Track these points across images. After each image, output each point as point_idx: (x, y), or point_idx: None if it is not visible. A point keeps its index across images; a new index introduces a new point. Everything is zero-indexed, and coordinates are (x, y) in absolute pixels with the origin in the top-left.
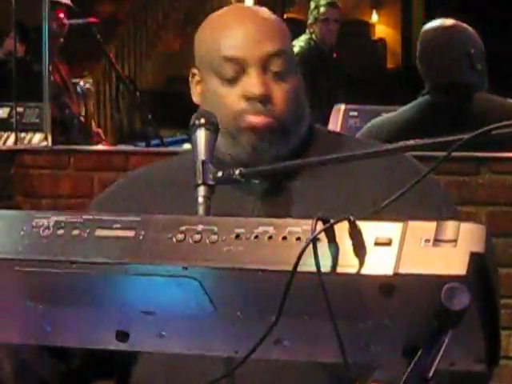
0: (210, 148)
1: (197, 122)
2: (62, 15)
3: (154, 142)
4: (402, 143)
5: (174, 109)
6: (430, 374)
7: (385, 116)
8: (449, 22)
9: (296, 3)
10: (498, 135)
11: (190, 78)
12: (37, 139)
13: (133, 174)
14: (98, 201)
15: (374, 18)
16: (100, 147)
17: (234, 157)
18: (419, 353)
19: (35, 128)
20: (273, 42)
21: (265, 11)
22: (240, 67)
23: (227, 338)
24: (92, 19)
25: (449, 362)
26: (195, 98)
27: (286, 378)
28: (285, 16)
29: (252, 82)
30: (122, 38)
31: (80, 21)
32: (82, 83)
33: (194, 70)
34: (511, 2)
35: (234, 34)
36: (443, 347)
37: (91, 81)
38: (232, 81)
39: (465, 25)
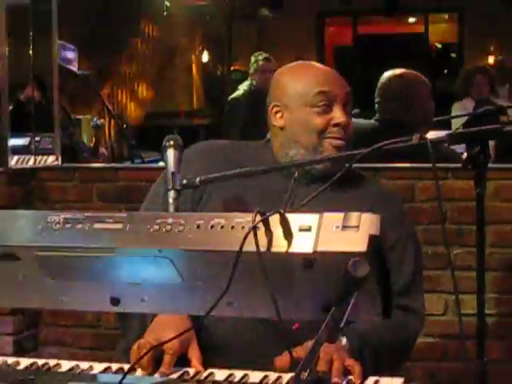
0: (177, 162)
1: (167, 144)
2: (72, 67)
3: (137, 160)
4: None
5: (150, 136)
6: (342, 324)
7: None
8: (397, 71)
9: (240, 58)
10: (388, 150)
11: (269, 109)
12: (50, 160)
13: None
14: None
15: None
16: (96, 164)
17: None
18: (333, 309)
19: (49, 152)
20: (348, 86)
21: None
22: (330, 100)
23: (192, 302)
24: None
25: (355, 316)
26: (276, 123)
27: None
28: (231, 68)
29: (340, 114)
30: (112, 85)
31: (81, 72)
32: (95, 119)
33: (275, 103)
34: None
35: (325, 75)
36: (351, 305)
37: (102, 120)
38: (321, 112)
39: (410, 73)
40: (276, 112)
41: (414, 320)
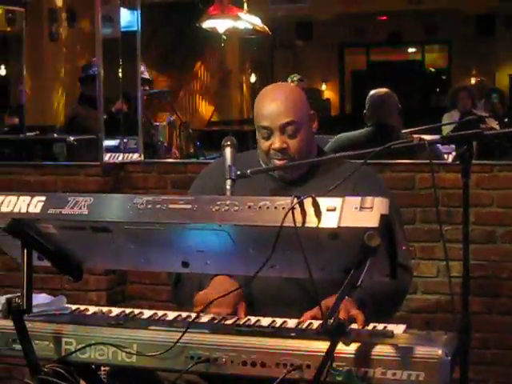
0: (233, 158)
1: (225, 143)
2: (147, 87)
3: (201, 157)
4: (344, 154)
5: (211, 139)
6: (359, 283)
7: (342, 134)
8: (383, 90)
9: (279, 78)
10: (395, 149)
11: None
12: (135, 156)
13: (213, 165)
14: (199, 178)
15: (323, 87)
16: (170, 160)
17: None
18: (352, 271)
19: (134, 150)
20: (287, 116)
21: (289, 89)
22: (269, 130)
23: (244, 265)
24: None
25: (369, 276)
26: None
27: (284, 289)
28: None
29: (276, 140)
30: (182, 99)
31: (158, 91)
32: (169, 117)
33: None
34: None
35: (268, 110)
36: (365, 268)
37: (174, 117)
38: (265, 138)
39: (390, 91)
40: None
41: (405, 274)
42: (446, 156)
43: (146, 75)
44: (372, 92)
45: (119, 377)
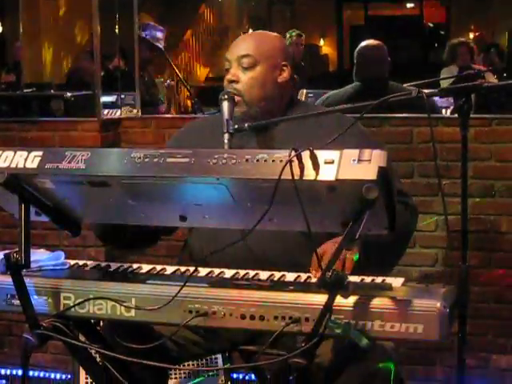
0: (230, 111)
1: (222, 97)
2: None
3: (198, 113)
4: (339, 107)
5: (208, 95)
6: (357, 235)
7: (331, 92)
8: (373, 41)
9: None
10: (393, 101)
11: None
12: (133, 112)
13: (193, 123)
14: (174, 136)
15: (321, 42)
16: (167, 115)
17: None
18: (350, 224)
19: (131, 106)
20: (245, 49)
21: (264, 33)
22: (229, 63)
23: (242, 218)
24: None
25: (367, 229)
26: None
27: (275, 244)
28: None
29: (229, 72)
30: (179, 55)
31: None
32: (168, 81)
33: None
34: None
35: (232, 44)
36: (364, 220)
37: (173, 82)
38: (226, 71)
39: (381, 43)
40: None
41: (405, 212)
42: (443, 111)
43: (162, 44)
44: (361, 44)
45: (114, 330)
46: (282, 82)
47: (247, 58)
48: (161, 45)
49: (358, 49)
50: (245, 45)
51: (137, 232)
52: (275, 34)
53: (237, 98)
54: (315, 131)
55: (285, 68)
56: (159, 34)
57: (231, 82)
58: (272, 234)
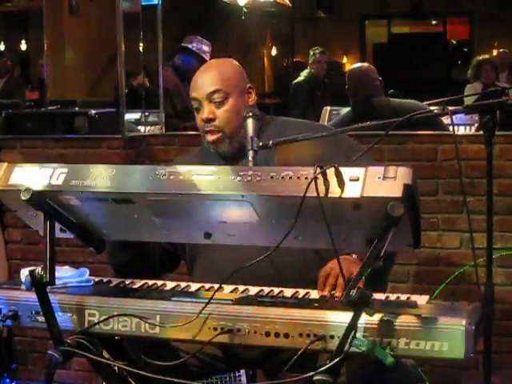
0: (255, 128)
1: (246, 114)
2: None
3: None
4: (354, 126)
5: None
6: (382, 253)
7: (337, 118)
8: (364, 64)
9: (300, 51)
10: (416, 119)
11: None
12: (157, 129)
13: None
14: (178, 159)
15: (345, 59)
16: (192, 132)
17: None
18: (375, 242)
19: (155, 123)
20: (213, 84)
21: (221, 62)
22: (198, 102)
23: (266, 235)
24: None
25: (392, 247)
26: None
27: (297, 260)
28: (294, 59)
29: (203, 111)
30: None
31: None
32: None
33: None
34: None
35: (194, 82)
36: (389, 238)
37: None
38: (197, 111)
39: (371, 66)
40: None
41: None
42: (467, 128)
43: (208, 57)
44: (350, 67)
45: (137, 346)
46: (253, 104)
47: (218, 94)
48: (207, 57)
49: (347, 73)
50: (210, 80)
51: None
52: (227, 59)
53: (217, 136)
54: (309, 150)
55: (251, 90)
56: (205, 48)
57: (208, 120)
58: (286, 250)
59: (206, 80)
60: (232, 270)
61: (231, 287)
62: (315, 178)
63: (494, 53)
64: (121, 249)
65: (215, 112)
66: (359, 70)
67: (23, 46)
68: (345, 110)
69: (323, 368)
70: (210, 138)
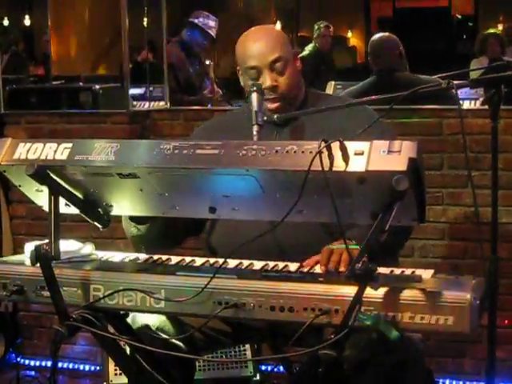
0: (259, 103)
1: (251, 89)
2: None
3: (226, 105)
4: (367, 98)
5: (236, 87)
6: (386, 227)
7: (347, 90)
8: (386, 34)
9: (305, 26)
10: (421, 93)
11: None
12: (161, 104)
13: (210, 121)
14: (196, 132)
15: (349, 34)
16: (196, 107)
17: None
18: (380, 216)
19: (160, 98)
20: (274, 52)
21: (270, 28)
22: (258, 70)
23: (271, 209)
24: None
25: (397, 221)
26: (242, 83)
27: (302, 234)
28: (298, 34)
29: (266, 79)
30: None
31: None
32: (207, 61)
33: (238, 67)
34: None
35: (252, 51)
36: (393, 212)
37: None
38: (254, 79)
39: (393, 35)
40: (240, 74)
41: None
42: (472, 102)
43: (214, 33)
44: (376, 36)
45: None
46: (301, 68)
47: (280, 62)
48: (213, 33)
49: (370, 42)
50: (270, 48)
51: (164, 229)
52: (271, 25)
53: (279, 103)
54: (343, 123)
55: (297, 55)
56: (211, 23)
57: (272, 88)
58: (293, 224)
59: (265, 48)
60: (251, 236)
61: (236, 262)
62: (320, 152)
63: (500, 27)
64: (140, 222)
65: (278, 79)
66: (379, 39)
67: (27, 22)
68: (350, 85)
69: (328, 342)
70: (272, 105)
